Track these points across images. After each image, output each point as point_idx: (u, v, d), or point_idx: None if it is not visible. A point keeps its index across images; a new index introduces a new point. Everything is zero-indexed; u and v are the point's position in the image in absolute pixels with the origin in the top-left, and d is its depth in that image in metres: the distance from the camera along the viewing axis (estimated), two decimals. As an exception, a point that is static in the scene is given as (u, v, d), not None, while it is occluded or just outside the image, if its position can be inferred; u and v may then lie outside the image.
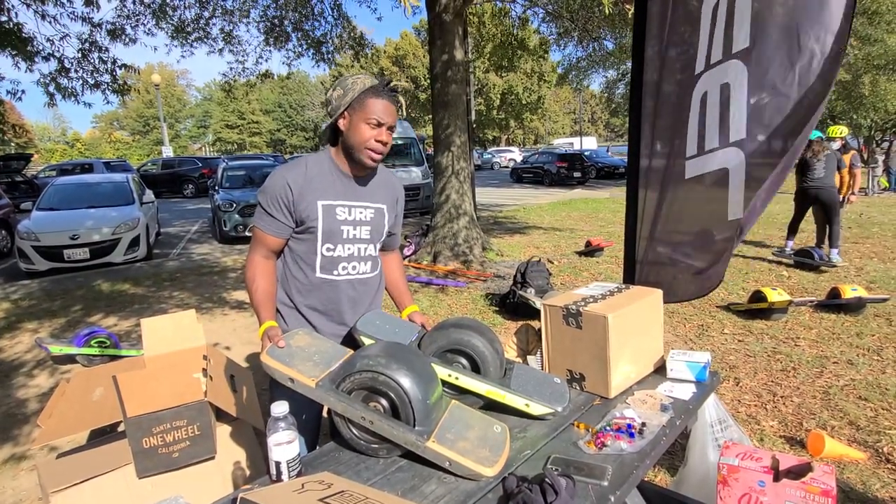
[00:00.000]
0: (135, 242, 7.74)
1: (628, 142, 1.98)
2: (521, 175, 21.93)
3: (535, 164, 21.24)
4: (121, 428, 2.55)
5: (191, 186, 19.20)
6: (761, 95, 1.46)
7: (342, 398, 1.25)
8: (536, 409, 1.40)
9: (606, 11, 3.58)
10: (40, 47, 6.09)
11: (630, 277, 2.04)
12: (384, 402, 1.26)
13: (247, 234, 9.18)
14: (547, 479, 1.09)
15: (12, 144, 24.67)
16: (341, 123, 1.53)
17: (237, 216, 9.17)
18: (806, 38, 1.36)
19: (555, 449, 1.31)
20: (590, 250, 6.91)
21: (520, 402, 1.41)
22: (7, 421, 3.21)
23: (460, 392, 1.46)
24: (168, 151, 22.51)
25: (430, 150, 12.52)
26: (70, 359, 4.01)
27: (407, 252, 6.85)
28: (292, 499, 1.01)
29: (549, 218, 11.03)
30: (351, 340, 1.62)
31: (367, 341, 1.49)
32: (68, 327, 4.90)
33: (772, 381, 3.15)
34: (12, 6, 5.72)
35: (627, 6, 3.86)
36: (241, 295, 5.84)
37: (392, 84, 1.53)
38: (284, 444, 1.18)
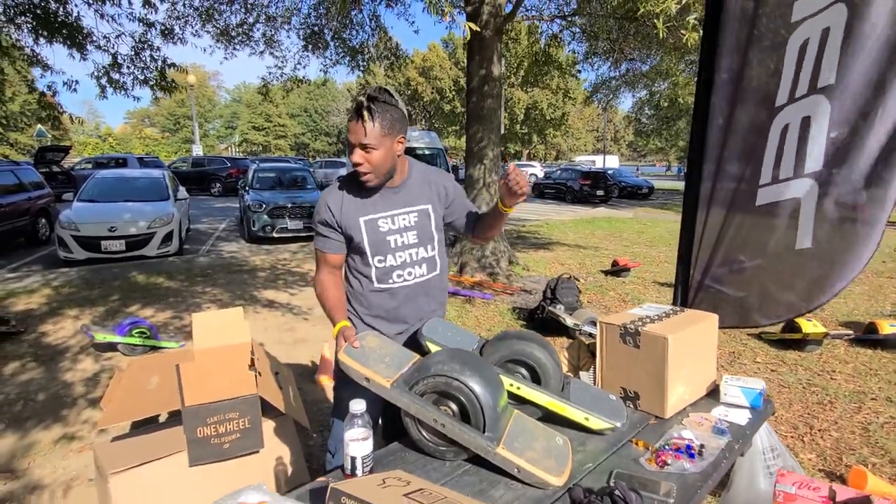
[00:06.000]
0: (168, 237, 7.94)
1: (688, 165, 2.01)
2: (543, 190, 21.95)
3: (558, 181, 21.25)
4: (162, 418, 2.65)
5: (218, 185, 19.60)
6: (841, 130, 1.49)
7: (416, 400, 1.31)
8: (596, 423, 1.44)
9: (661, 35, 3.62)
10: (95, 40, 6.36)
11: (683, 300, 2.07)
12: (454, 406, 1.32)
13: (274, 234, 9.36)
14: (617, 492, 1.13)
15: (49, 136, 25.49)
16: None
17: (266, 217, 9.34)
18: (891, 80, 1.40)
19: (615, 464, 1.35)
20: (616, 270, 6.90)
21: (580, 415, 1.45)
22: (55, 403, 3.33)
23: (519, 402, 1.51)
24: (198, 150, 23.06)
25: (453, 161, 12.61)
26: (111, 346, 4.14)
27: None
28: (379, 492, 1.06)
29: (573, 235, 11.03)
30: (412, 343, 1.68)
31: (432, 347, 1.55)
32: (107, 316, 5.05)
33: (808, 414, 3.12)
34: (76, 5, 5.99)
35: (683, 32, 3.90)
36: (271, 294, 5.95)
37: (361, 101, 1.49)
38: (360, 441, 1.23)
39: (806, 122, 1.56)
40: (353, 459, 1.23)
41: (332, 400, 3.41)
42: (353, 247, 1.65)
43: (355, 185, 1.63)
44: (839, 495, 1.39)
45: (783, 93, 1.61)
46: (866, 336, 4.23)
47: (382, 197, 1.64)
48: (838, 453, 2.68)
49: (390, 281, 1.67)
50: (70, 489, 2.52)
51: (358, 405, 1.24)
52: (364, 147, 1.51)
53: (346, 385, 1.72)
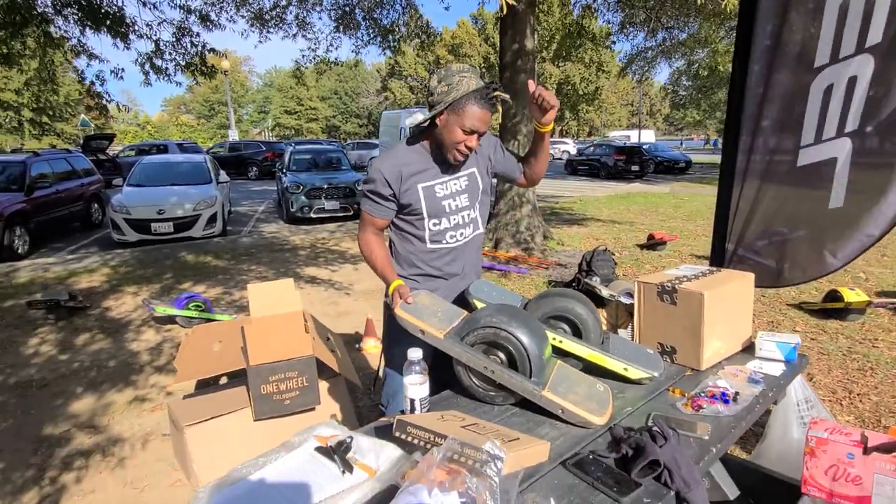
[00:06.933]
0: (213, 219, 8.29)
1: (724, 137, 2.05)
2: (577, 167, 21.63)
3: (592, 157, 20.89)
4: (223, 381, 2.87)
5: (255, 169, 20.12)
6: (879, 88, 1.52)
7: (467, 349, 1.43)
8: (635, 373, 1.54)
9: (699, 1, 3.56)
10: (138, 29, 6.62)
11: (718, 262, 2.12)
12: (502, 355, 1.44)
13: (312, 215, 9.63)
14: (655, 427, 1.23)
15: (92, 125, 26.57)
16: (439, 118, 1.63)
17: (303, 198, 9.61)
18: None
19: (653, 408, 1.44)
20: (652, 244, 6.86)
21: (619, 366, 1.55)
22: (126, 370, 3.63)
23: (562, 355, 1.61)
24: (234, 135, 23.63)
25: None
26: (170, 319, 4.44)
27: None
28: (439, 424, 1.20)
29: (608, 211, 10.93)
30: (458, 302, 1.80)
31: (479, 305, 1.66)
32: (163, 292, 5.39)
33: (847, 379, 3.13)
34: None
35: None
36: (313, 271, 6.19)
37: (495, 94, 1.57)
38: (418, 385, 1.37)
39: (852, 82, 1.58)
40: (413, 401, 1.37)
41: (375, 367, 3.60)
42: (407, 210, 1.74)
43: (409, 152, 1.72)
44: (871, 441, 1.45)
45: (823, 53, 1.63)
46: (913, 305, 4.14)
47: (438, 162, 1.72)
48: (877, 416, 2.70)
49: (444, 241, 1.78)
50: (148, 442, 2.79)
51: (415, 353, 1.37)
52: (482, 134, 1.62)
53: (396, 343, 1.86)
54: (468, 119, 1.57)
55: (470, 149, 1.64)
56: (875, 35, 1.60)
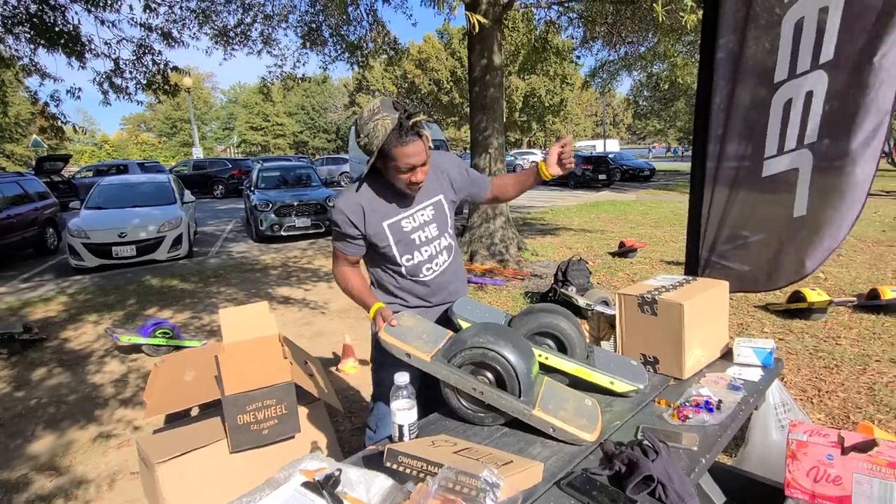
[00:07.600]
0: (178, 241, 8.03)
1: (693, 143, 2.11)
2: (545, 177, 21.97)
3: (559, 167, 21.26)
4: (194, 413, 2.76)
5: (221, 187, 19.71)
6: (834, 102, 1.60)
7: (454, 371, 1.41)
8: (621, 386, 1.55)
9: (660, 19, 3.67)
10: (94, 48, 6.40)
11: (692, 271, 2.17)
12: (490, 375, 1.42)
13: (282, 233, 9.46)
14: (646, 442, 1.23)
15: (45, 146, 25.52)
16: (378, 165, 1.59)
17: (273, 216, 9.44)
18: (880, 51, 1.49)
19: (641, 421, 1.45)
20: (623, 251, 6.99)
21: (605, 379, 1.56)
22: (88, 404, 3.45)
23: (548, 371, 1.61)
24: (198, 153, 23.09)
25: (455, 153, 12.61)
26: (135, 348, 4.26)
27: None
28: (431, 450, 1.17)
29: (578, 219, 11.12)
30: (442, 321, 1.78)
31: (463, 324, 1.65)
32: (126, 320, 5.17)
33: (815, 377, 3.23)
34: (76, 12, 6.04)
35: (681, 14, 3.97)
36: (286, 291, 6.06)
37: (413, 121, 1.49)
38: (405, 410, 1.34)
39: (809, 97, 1.66)
40: (401, 427, 1.34)
41: (355, 388, 3.53)
42: (380, 250, 1.69)
43: (367, 189, 1.66)
44: (847, 440, 1.50)
45: (781, 69, 1.70)
46: (869, 302, 4.33)
47: (399, 196, 1.67)
48: (846, 412, 2.79)
49: (421, 275, 1.75)
50: (115, 482, 2.64)
51: (402, 377, 1.34)
52: (424, 164, 1.56)
53: (385, 366, 1.82)
54: (399, 160, 1.52)
55: (418, 182, 1.59)
56: (827, 52, 1.68)
